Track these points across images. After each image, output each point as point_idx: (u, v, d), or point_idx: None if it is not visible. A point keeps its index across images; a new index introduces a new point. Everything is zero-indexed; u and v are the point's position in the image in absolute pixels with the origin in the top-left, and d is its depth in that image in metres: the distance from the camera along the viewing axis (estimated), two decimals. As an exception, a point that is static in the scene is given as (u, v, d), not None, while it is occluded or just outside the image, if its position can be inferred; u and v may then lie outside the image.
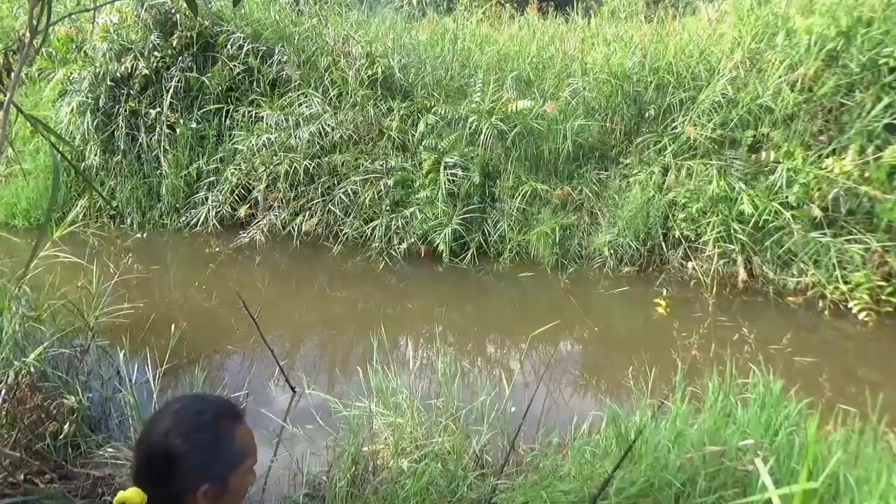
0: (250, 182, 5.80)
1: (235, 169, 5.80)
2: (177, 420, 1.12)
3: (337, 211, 5.48)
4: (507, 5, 7.48)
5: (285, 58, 6.01)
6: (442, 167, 5.31)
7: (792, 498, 1.65)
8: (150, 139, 6.16)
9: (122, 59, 6.12)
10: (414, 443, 2.59)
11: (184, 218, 5.99)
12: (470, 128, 5.37)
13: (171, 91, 6.06)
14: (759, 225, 4.55)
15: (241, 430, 1.17)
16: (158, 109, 6.09)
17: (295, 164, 5.56)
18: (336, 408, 2.86)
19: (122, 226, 6.24)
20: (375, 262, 5.23)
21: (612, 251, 4.96)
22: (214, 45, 6.16)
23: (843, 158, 4.39)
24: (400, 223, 5.31)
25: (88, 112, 6.19)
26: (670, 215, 4.92)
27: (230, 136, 5.99)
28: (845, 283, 4.27)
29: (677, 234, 4.86)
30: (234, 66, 6.04)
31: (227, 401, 1.21)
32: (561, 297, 4.73)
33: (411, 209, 5.32)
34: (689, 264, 4.82)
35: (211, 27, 6.17)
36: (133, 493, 1.09)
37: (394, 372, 3.00)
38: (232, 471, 1.13)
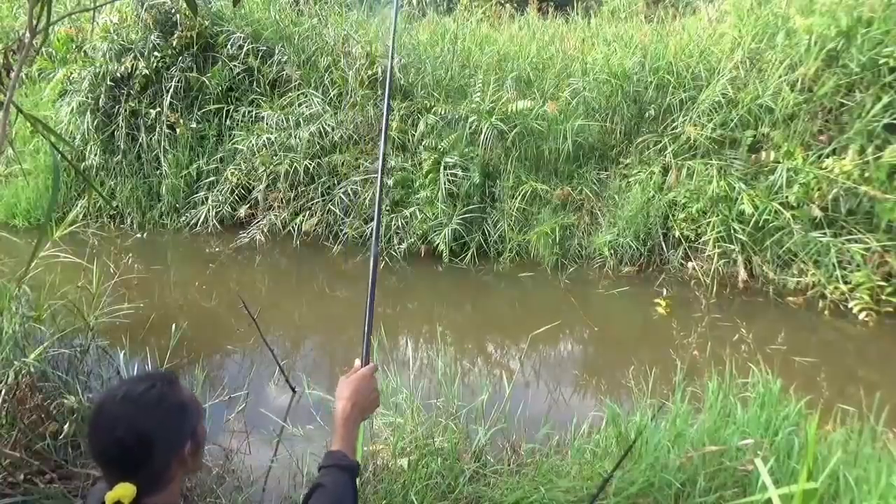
0: (250, 182, 5.81)
1: (235, 169, 5.81)
2: (130, 405, 1.11)
3: (337, 211, 5.49)
4: (507, 5, 7.47)
5: (285, 58, 6.01)
6: (442, 167, 5.30)
7: (792, 498, 1.65)
8: (150, 139, 6.17)
9: (122, 59, 6.12)
10: (414, 443, 2.59)
11: (184, 218, 5.99)
12: (470, 128, 5.37)
13: (171, 91, 6.06)
14: (759, 225, 4.54)
15: (184, 388, 1.23)
16: (158, 109, 6.09)
17: (295, 164, 5.56)
18: (336, 408, 2.86)
19: (122, 226, 6.24)
20: (375, 262, 5.22)
21: (612, 251, 4.96)
22: (214, 45, 6.16)
23: (843, 158, 4.39)
24: (400, 223, 5.31)
25: (88, 112, 6.20)
26: (670, 215, 4.92)
27: (230, 136, 5.99)
28: (845, 283, 4.27)
29: (677, 233, 4.86)
30: (234, 66, 6.05)
31: (158, 371, 1.24)
32: (561, 298, 4.73)
33: (411, 209, 5.32)
34: (689, 264, 4.82)
35: (211, 27, 6.17)
36: (123, 488, 1.07)
37: (394, 372, 3.00)
38: (198, 422, 1.20)
